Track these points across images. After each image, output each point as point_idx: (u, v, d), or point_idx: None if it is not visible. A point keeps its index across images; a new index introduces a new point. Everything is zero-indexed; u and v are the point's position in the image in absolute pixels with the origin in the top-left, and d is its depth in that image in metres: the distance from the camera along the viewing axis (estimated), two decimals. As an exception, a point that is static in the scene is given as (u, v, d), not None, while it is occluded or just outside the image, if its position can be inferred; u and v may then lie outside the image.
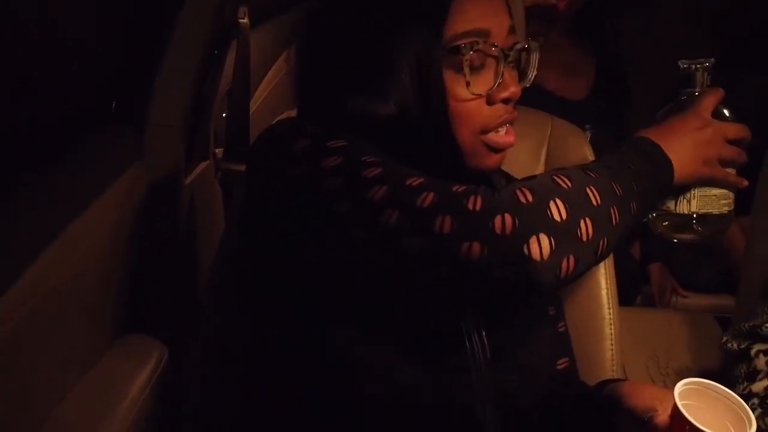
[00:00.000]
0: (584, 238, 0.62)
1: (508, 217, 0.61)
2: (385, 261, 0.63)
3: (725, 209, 0.81)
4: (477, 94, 0.71)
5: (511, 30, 0.73)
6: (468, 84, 0.70)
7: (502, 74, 0.71)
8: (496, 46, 0.71)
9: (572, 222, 0.62)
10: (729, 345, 0.98)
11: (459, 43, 0.70)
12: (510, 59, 0.72)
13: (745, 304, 1.06)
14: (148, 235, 1.16)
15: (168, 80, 1.13)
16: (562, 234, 0.61)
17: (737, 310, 1.13)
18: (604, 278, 0.97)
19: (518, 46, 0.73)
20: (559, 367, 0.82)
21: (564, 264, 0.61)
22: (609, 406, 0.70)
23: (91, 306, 1.00)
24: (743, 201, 1.19)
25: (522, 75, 0.76)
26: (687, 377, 0.64)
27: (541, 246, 0.60)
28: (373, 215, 0.62)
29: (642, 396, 0.66)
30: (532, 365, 0.76)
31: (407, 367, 0.69)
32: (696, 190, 0.79)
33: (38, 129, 1.00)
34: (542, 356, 0.78)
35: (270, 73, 1.90)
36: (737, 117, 0.81)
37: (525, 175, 0.97)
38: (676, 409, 0.61)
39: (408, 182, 0.63)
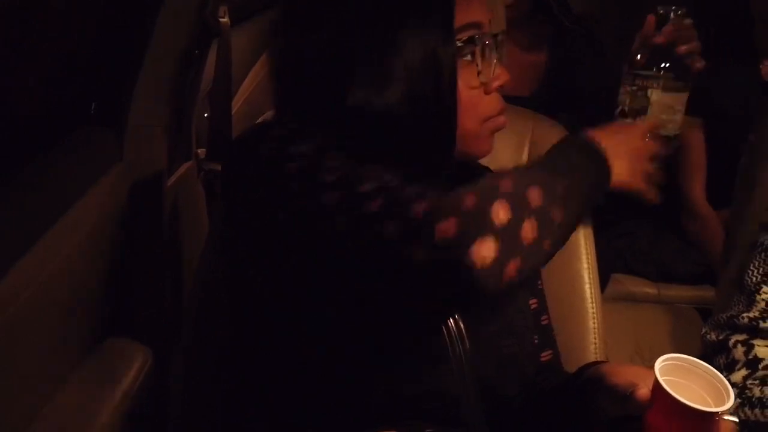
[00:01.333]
0: (528, 239, 0.62)
1: (451, 222, 0.60)
2: (336, 263, 0.65)
3: None
4: (483, 83, 0.75)
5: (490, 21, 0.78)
6: (479, 73, 0.74)
7: (495, 64, 0.76)
8: (493, 37, 0.75)
9: (515, 224, 0.61)
10: (708, 336, 0.99)
11: (468, 34, 0.73)
12: (498, 49, 0.76)
13: (725, 295, 1.07)
14: (131, 237, 1.15)
15: (149, 80, 1.12)
16: (506, 237, 0.61)
17: (718, 301, 1.14)
18: (587, 272, 0.98)
19: (500, 37, 0.77)
20: (542, 359, 0.83)
21: (509, 267, 0.60)
22: (591, 388, 0.70)
23: (74, 309, 0.99)
24: (723, 194, 1.21)
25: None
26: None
27: (485, 250, 0.59)
28: (324, 221, 0.63)
29: (623, 374, 0.67)
30: (514, 357, 0.77)
31: (388, 357, 0.69)
32: None
33: (17, 129, 0.99)
34: (525, 348, 0.79)
35: (252, 73, 1.89)
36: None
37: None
38: (657, 384, 0.62)
39: (361, 188, 0.64)
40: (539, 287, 0.88)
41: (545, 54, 1.66)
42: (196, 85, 1.39)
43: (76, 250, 0.97)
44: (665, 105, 0.85)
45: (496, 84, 0.76)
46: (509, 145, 1.04)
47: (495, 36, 0.76)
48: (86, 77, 1.14)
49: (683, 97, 0.85)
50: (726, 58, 1.54)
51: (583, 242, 0.99)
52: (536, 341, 0.83)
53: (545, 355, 0.84)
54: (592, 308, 0.96)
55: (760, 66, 1.54)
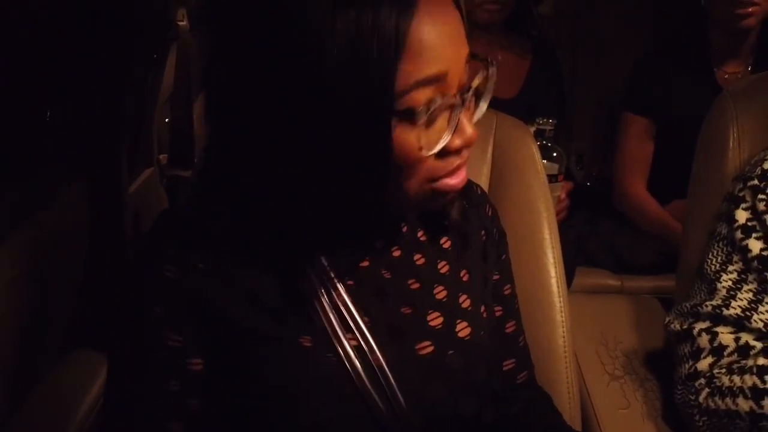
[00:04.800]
0: None
1: None
2: None
3: None
4: (430, 155, 0.59)
5: (468, 59, 0.60)
6: (421, 149, 0.58)
7: (458, 120, 0.59)
8: (455, 95, 0.59)
9: None
10: (672, 326, 1.01)
11: (411, 100, 0.56)
12: (467, 101, 0.60)
13: (685, 285, 1.09)
14: (93, 246, 1.13)
15: (108, 87, 1.10)
16: None
17: (678, 291, 1.17)
18: (553, 266, 0.99)
19: (478, 81, 0.61)
20: (505, 368, 0.80)
21: None
22: None
23: (36, 320, 0.97)
24: (680, 184, 1.24)
25: (477, 99, 0.63)
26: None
27: None
28: None
29: None
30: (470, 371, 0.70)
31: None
32: None
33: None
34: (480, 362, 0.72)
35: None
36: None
37: (472, 171, 0.99)
38: None
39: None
40: (516, 307, 0.84)
41: (529, 55, 1.65)
42: (156, 90, 1.38)
43: (38, 259, 0.95)
44: None
45: (455, 145, 0.60)
46: (473, 147, 1.04)
47: (463, 93, 0.59)
48: (42, 84, 1.11)
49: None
50: (683, 60, 1.58)
51: (548, 237, 1.00)
52: (514, 364, 0.81)
53: (507, 365, 0.81)
54: (560, 302, 0.97)
55: (715, 70, 1.58)
